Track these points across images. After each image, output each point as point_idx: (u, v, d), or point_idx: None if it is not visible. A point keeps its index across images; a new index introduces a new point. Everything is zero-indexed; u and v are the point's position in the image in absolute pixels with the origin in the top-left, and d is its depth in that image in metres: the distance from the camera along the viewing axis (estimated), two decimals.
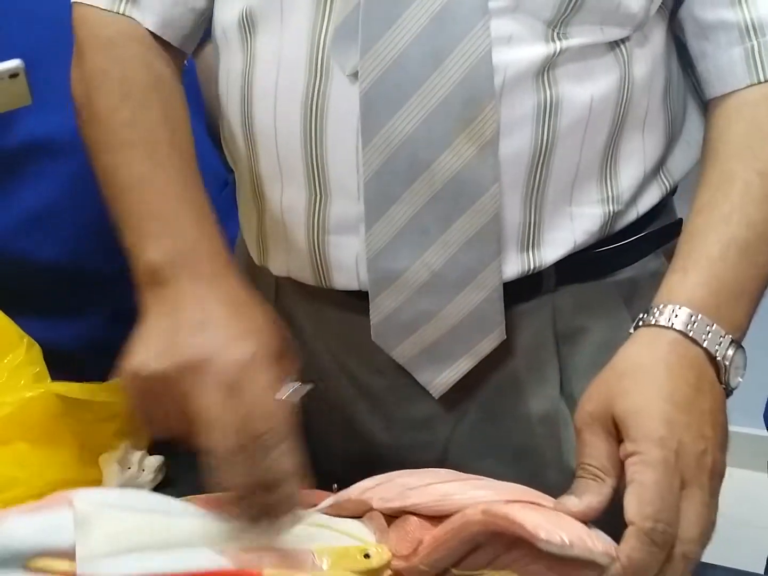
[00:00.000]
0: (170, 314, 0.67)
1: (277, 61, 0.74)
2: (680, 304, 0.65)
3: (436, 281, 0.76)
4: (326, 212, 0.76)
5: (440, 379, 0.81)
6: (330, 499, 0.68)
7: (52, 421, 0.82)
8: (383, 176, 0.72)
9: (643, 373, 0.63)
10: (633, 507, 0.58)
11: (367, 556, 0.62)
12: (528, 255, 0.77)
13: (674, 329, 0.64)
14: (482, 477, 0.69)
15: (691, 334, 0.63)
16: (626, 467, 0.60)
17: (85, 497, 0.61)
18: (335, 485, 0.75)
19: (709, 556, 0.64)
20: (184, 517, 0.64)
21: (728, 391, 0.65)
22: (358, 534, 0.65)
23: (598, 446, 0.62)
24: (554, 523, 0.58)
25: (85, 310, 1.05)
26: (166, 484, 0.86)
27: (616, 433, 0.62)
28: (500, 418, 0.83)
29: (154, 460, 0.86)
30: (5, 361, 0.84)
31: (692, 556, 0.59)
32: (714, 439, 0.61)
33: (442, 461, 0.83)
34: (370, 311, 0.78)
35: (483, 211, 0.73)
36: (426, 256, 0.75)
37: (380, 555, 0.62)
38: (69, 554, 0.58)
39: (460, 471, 0.83)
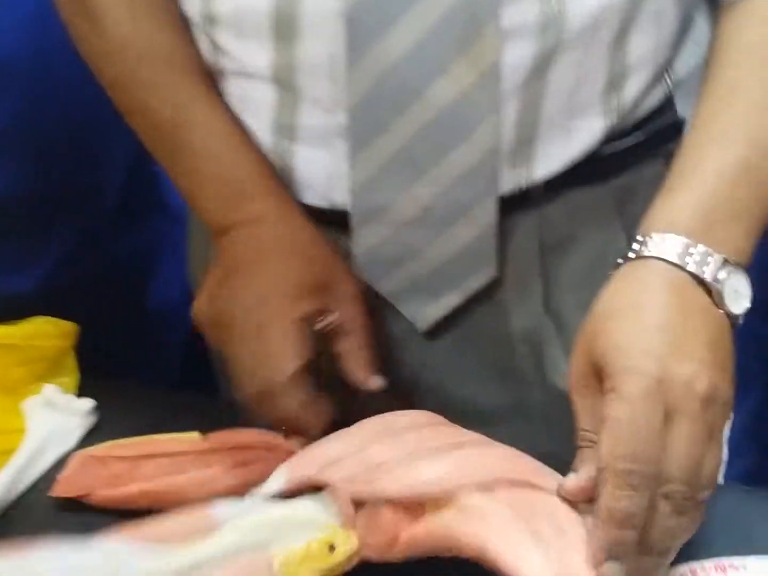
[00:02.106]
0: (223, 263, 0.71)
1: None
2: (663, 229, 0.58)
3: (424, 216, 0.70)
4: (295, 117, 0.70)
5: (426, 312, 0.75)
6: (282, 478, 0.60)
7: None
8: (371, 103, 0.66)
9: (624, 310, 0.56)
10: (606, 447, 0.52)
11: (332, 548, 0.55)
12: (519, 172, 0.70)
13: (656, 258, 0.57)
14: (468, 433, 0.62)
15: (672, 259, 0.56)
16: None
17: None
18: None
19: None
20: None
21: (732, 318, 0.57)
22: (319, 519, 0.56)
23: (587, 407, 0.56)
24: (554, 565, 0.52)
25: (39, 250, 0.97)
26: (96, 430, 0.79)
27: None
28: (478, 336, 0.76)
29: (84, 404, 0.78)
30: None
31: (679, 498, 0.51)
32: (710, 361, 0.53)
33: (416, 382, 0.78)
34: (353, 243, 0.73)
35: (479, 145, 0.67)
36: (415, 189, 0.69)
37: (346, 545, 0.55)
38: None
39: (436, 394, 0.78)
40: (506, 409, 0.79)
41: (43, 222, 0.94)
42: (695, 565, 0.58)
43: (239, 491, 0.67)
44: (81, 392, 0.80)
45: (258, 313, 0.67)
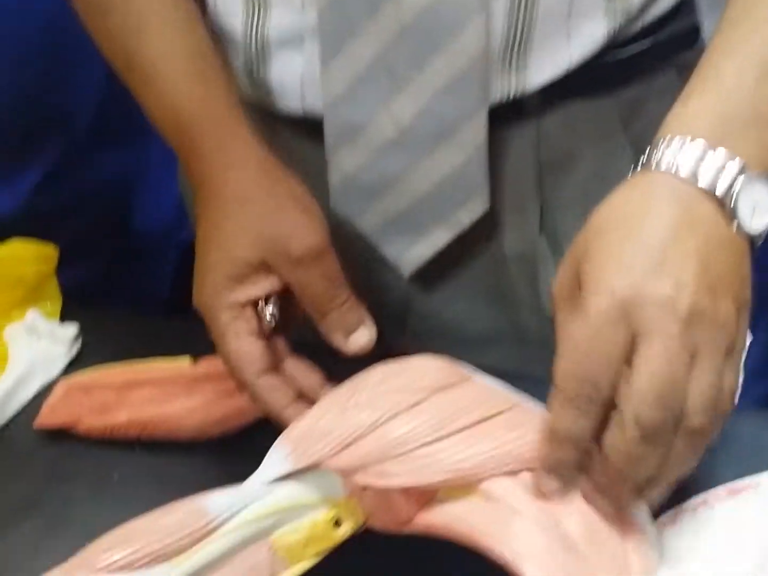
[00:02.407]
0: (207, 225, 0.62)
1: None
2: (677, 133, 0.52)
3: (404, 138, 0.64)
4: (266, 17, 0.65)
5: (411, 254, 0.70)
6: (285, 461, 0.51)
7: None
8: (342, 1, 0.60)
9: (615, 224, 0.51)
10: (557, 364, 0.48)
11: (337, 523, 0.51)
12: (510, 77, 0.64)
13: (663, 171, 0.51)
14: (495, 394, 0.54)
15: (682, 172, 0.50)
16: None
17: None
18: None
19: None
20: None
21: (752, 237, 0.51)
22: (322, 494, 0.51)
23: (561, 321, 0.51)
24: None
25: (19, 169, 0.93)
26: (81, 357, 0.75)
27: None
28: (470, 259, 0.72)
29: (68, 330, 0.75)
30: None
31: (648, 425, 0.46)
32: (699, 281, 0.48)
33: (406, 304, 0.74)
34: (329, 172, 0.68)
35: (466, 50, 0.61)
36: (393, 105, 0.63)
37: (352, 519, 0.51)
38: None
39: (426, 319, 0.74)
40: (499, 333, 0.75)
41: (21, 141, 0.90)
42: (707, 495, 0.55)
43: (229, 421, 0.65)
44: (64, 318, 0.77)
45: (208, 299, 0.60)
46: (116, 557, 0.48)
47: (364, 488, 0.51)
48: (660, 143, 0.52)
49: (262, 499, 0.50)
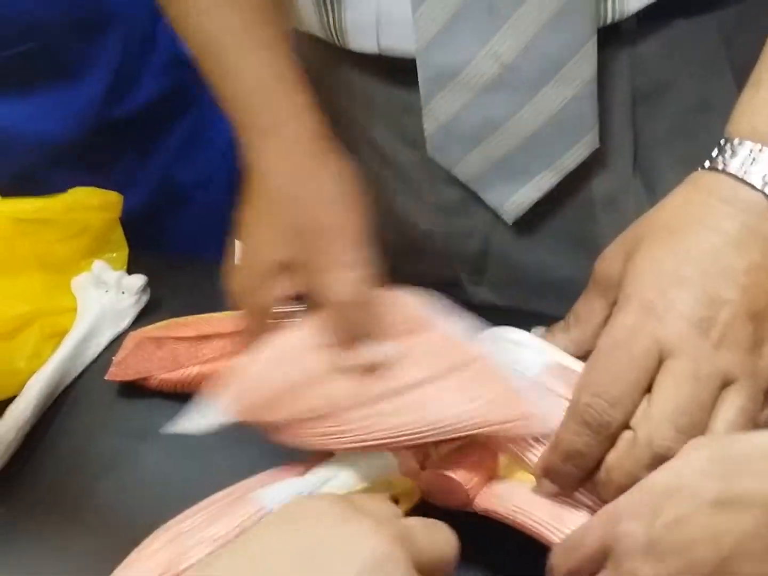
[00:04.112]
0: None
1: None
2: (741, 135, 0.48)
3: (507, 77, 0.61)
4: None
5: (514, 199, 0.67)
6: (222, 412, 0.49)
7: (8, 246, 0.69)
8: None
9: (666, 230, 0.48)
10: (581, 374, 0.47)
11: (395, 501, 0.49)
12: (607, 2, 0.59)
13: (725, 172, 0.48)
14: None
15: (750, 179, 0.47)
16: None
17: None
18: None
19: None
20: None
21: None
22: (377, 476, 0.50)
23: (590, 298, 0.51)
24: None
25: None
26: (150, 308, 0.74)
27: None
28: (555, 201, 0.68)
29: (136, 280, 0.74)
30: None
31: (657, 440, 0.43)
32: (736, 305, 0.44)
33: (485, 252, 0.71)
34: (424, 119, 0.64)
35: None
36: (493, 43, 0.60)
37: (408, 498, 0.50)
38: None
39: (506, 266, 0.71)
40: (582, 282, 0.72)
41: (72, 55, 0.86)
42: None
43: None
44: (131, 268, 0.76)
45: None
46: None
47: (422, 468, 0.49)
48: (730, 144, 0.49)
49: (319, 490, 0.49)
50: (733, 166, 0.47)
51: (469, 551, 0.41)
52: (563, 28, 0.58)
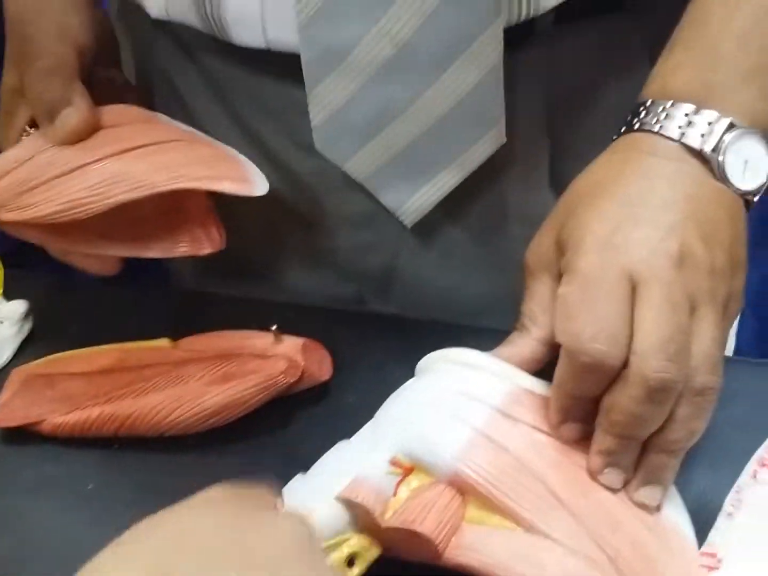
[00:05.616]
0: None
1: None
2: (662, 95, 0.49)
3: (403, 59, 0.55)
4: None
5: (413, 200, 0.62)
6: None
7: None
8: None
9: (595, 189, 0.48)
10: (557, 325, 0.45)
11: (350, 562, 0.43)
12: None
13: (643, 130, 0.49)
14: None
15: (667, 132, 0.48)
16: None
17: None
18: (274, 326, 0.58)
19: None
20: None
21: (745, 195, 0.48)
22: (332, 536, 0.44)
23: (533, 290, 0.49)
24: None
25: None
26: (33, 339, 0.65)
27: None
28: (464, 212, 0.64)
29: (16, 306, 0.65)
30: None
31: (650, 373, 0.42)
32: (688, 230, 0.45)
33: (390, 268, 0.67)
34: (309, 107, 0.58)
35: None
36: (386, 20, 0.54)
37: (367, 556, 0.44)
38: None
39: (412, 283, 0.68)
40: (494, 300, 0.68)
41: None
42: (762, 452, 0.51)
43: (222, 413, 0.56)
44: (8, 294, 0.67)
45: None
46: None
47: (384, 526, 0.44)
48: (644, 107, 0.49)
49: None
50: (649, 124, 0.48)
51: None
52: (464, 3, 0.53)
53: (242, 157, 0.59)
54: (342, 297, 0.71)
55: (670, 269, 0.44)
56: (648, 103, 0.49)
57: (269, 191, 0.58)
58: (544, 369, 0.49)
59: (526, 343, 0.49)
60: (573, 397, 0.45)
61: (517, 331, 0.49)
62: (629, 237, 0.45)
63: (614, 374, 0.44)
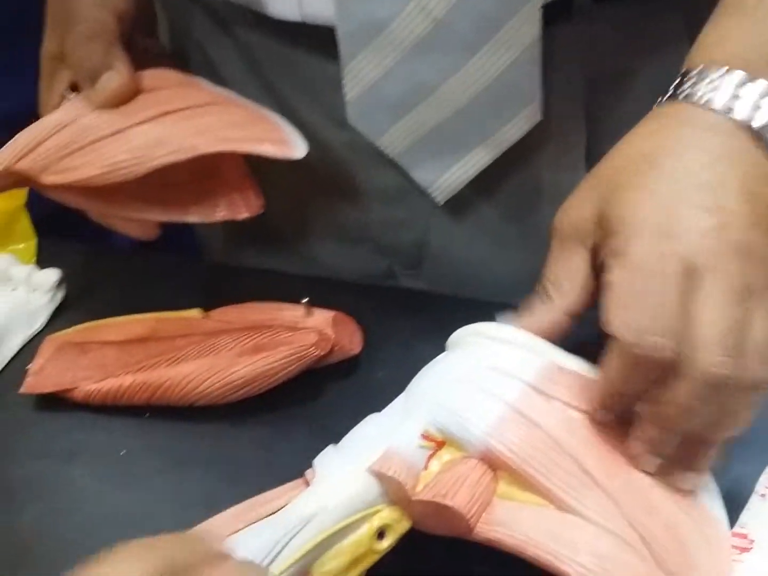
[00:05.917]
0: None
1: None
2: (710, 62, 0.47)
3: (440, 35, 0.55)
4: None
5: (445, 178, 0.61)
6: None
7: None
8: None
9: (643, 161, 0.46)
10: (609, 314, 0.42)
11: (380, 535, 0.43)
12: None
13: (688, 100, 0.46)
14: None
15: (714, 105, 0.45)
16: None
17: None
18: (306, 299, 0.58)
19: None
20: None
21: None
22: (362, 509, 0.44)
23: (561, 256, 0.47)
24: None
25: None
26: (66, 307, 0.66)
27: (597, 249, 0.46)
28: (497, 188, 0.63)
29: (49, 275, 0.65)
30: None
31: (708, 367, 0.41)
32: (744, 213, 0.43)
33: (422, 244, 0.67)
34: (344, 82, 0.57)
35: None
36: None
37: (397, 529, 0.44)
38: None
39: (443, 260, 0.68)
40: (525, 278, 0.67)
41: None
42: None
43: (252, 383, 0.56)
44: (41, 262, 0.67)
45: None
46: None
47: (414, 499, 0.43)
48: (689, 74, 0.47)
49: (300, 535, 0.43)
50: (695, 95, 0.46)
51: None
52: None
53: (280, 119, 0.59)
54: (373, 272, 0.71)
55: (729, 259, 0.42)
56: (694, 72, 0.47)
57: (301, 162, 0.58)
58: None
59: (546, 312, 0.47)
60: (620, 392, 0.44)
61: (536, 298, 0.48)
62: (685, 223, 0.43)
63: (668, 368, 0.42)
